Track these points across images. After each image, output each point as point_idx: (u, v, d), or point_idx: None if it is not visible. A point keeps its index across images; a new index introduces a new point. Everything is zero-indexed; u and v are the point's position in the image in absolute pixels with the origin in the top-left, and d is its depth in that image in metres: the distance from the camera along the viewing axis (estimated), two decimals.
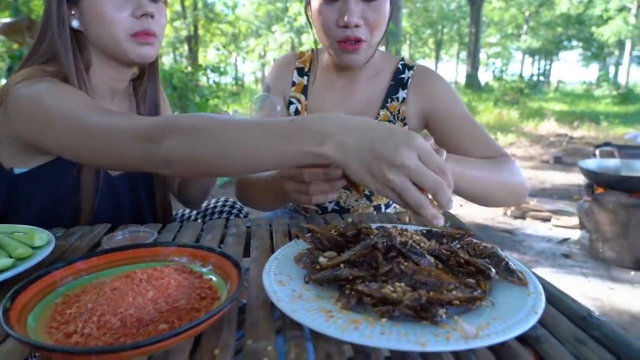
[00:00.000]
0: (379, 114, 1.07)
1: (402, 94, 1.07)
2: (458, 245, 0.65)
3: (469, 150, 0.98)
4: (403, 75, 1.07)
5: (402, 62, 1.09)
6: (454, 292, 0.51)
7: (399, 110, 1.07)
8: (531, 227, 3.53)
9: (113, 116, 0.74)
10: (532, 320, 0.48)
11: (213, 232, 0.84)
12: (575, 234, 3.26)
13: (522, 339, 0.49)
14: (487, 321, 0.48)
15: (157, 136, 0.66)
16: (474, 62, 20.91)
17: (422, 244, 0.62)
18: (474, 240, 0.67)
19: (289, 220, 0.91)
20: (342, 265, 0.58)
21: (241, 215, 1.14)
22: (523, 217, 3.72)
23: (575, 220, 3.37)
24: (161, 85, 1.10)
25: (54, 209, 0.91)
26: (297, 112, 1.10)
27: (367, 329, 0.46)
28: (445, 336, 0.45)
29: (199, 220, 1.15)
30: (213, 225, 0.88)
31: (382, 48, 1.14)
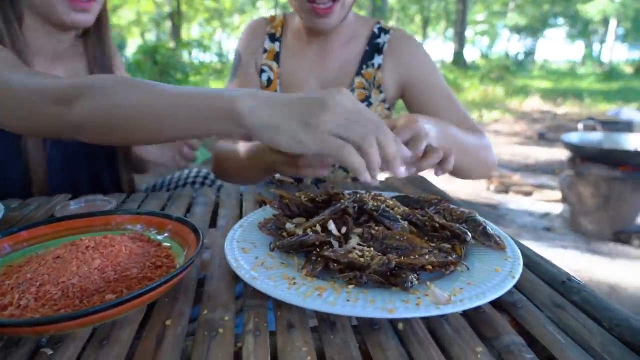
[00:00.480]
0: (353, 81, 1.02)
1: (377, 59, 1.01)
2: (434, 211, 0.62)
3: None
4: (379, 40, 1.02)
5: (378, 26, 1.04)
6: (427, 257, 0.48)
7: (374, 77, 1.01)
8: (514, 201, 3.55)
9: (33, 76, 0.66)
10: (508, 285, 0.45)
11: (179, 202, 0.79)
12: (557, 208, 3.29)
13: (497, 304, 0.46)
14: (461, 286, 0.45)
15: (70, 98, 0.59)
16: (460, 40, 20.77)
17: (395, 209, 0.58)
18: (451, 206, 0.64)
19: (262, 189, 0.86)
20: (309, 231, 0.54)
21: (214, 187, 1.10)
22: (506, 192, 3.74)
23: (557, 195, 3.39)
24: (113, 46, 1.02)
25: (0, 180, 0.85)
26: (269, 81, 1.04)
27: (331, 296, 0.42)
28: (415, 302, 0.41)
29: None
30: (180, 195, 0.83)
31: None
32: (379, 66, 1.01)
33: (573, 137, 2.97)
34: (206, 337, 0.41)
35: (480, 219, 0.59)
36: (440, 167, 0.67)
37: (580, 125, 3.79)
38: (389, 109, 1.06)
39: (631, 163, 2.52)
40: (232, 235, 0.57)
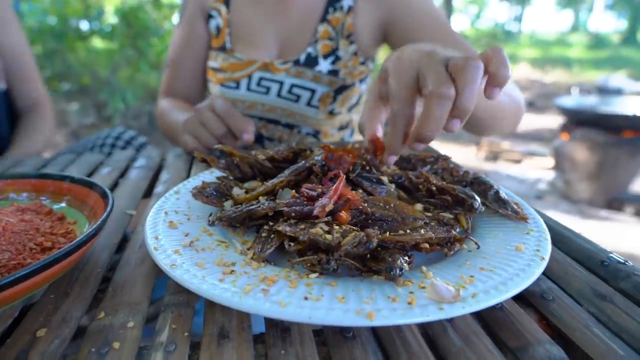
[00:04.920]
0: (317, 30, 0.83)
1: (347, 1, 0.82)
2: (430, 171, 0.48)
3: None
4: None
5: None
6: (422, 232, 0.34)
7: (343, 24, 0.83)
8: (503, 169, 3.45)
9: None
10: (537, 269, 0.32)
11: (114, 165, 0.64)
12: (548, 176, 3.19)
13: (520, 296, 0.33)
14: (472, 273, 0.31)
15: None
16: (449, 8, 20.35)
17: (379, 169, 0.44)
18: (451, 165, 0.50)
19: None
20: (262, 198, 0.40)
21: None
22: (495, 159, 3.63)
23: (547, 162, 3.30)
24: None
25: None
26: (218, 30, 0.86)
27: (282, 292, 0.29)
28: (406, 299, 0.28)
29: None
30: (118, 157, 0.68)
31: None
32: (350, 9, 0.82)
33: (568, 102, 2.84)
34: (92, 355, 0.27)
35: (490, 180, 0.45)
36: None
37: (574, 90, 3.65)
38: (364, 62, 0.86)
39: (630, 128, 2.40)
40: (161, 204, 0.42)
